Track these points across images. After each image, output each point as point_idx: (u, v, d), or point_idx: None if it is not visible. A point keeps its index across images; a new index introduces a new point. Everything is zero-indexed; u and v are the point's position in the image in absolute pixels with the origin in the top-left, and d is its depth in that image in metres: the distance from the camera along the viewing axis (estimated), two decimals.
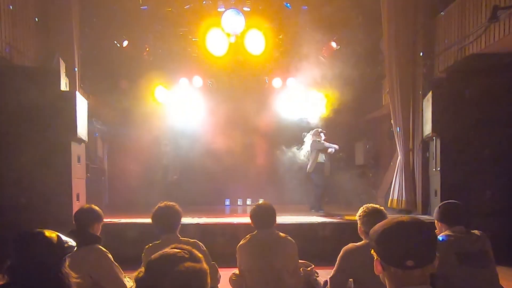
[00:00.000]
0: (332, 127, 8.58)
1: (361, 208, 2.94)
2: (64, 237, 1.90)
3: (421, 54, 7.19)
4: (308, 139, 8.15)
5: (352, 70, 8.09)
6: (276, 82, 10.20)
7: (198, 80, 10.10)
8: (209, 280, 1.42)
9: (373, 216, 2.79)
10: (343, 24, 8.54)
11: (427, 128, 6.59)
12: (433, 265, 1.42)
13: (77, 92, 6.15)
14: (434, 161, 6.61)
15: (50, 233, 1.87)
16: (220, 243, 5.54)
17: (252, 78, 10.16)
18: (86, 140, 6.52)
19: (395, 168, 7.47)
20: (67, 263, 1.89)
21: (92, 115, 7.23)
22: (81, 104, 6.16)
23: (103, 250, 2.96)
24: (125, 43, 8.84)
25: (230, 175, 9.92)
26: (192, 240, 3.13)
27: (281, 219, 6.03)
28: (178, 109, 9.74)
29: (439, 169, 6.39)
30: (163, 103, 9.66)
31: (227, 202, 10.19)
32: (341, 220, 6.46)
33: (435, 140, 6.54)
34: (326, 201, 8.26)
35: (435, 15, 7.04)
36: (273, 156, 9.59)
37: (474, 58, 5.98)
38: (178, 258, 1.40)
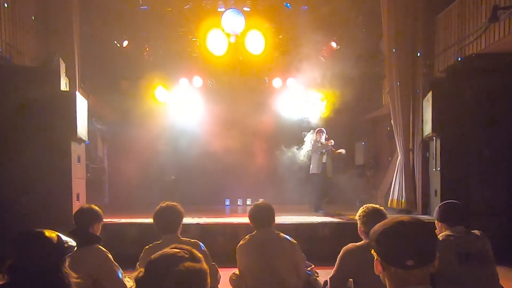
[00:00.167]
0: (332, 127, 8.58)
1: (361, 208, 2.94)
2: (64, 237, 1.90)
3: (421, 54, 7.19)
4: (309, 138, 8.14)
5: (352, 70, 8.09)
6: (276, 82, 10.20)
7: (198, 80, 10.11)
8: (209, 280, 1.42)
9: (373, 216, 2.79)
10: (343, 24, 8.54)
11: (427, 128, 6.59)
12: (433, 264, 1.42)
13: (77, 92, 6.15)
14: (434, 161, 6.61)
15: (50, 233, 1.87)
16: (220, 243, 5.55)
17: (252, 78, 10.16)
18: (86, 140, 6.52)
19: (395, 168, 7.48)
20: (67, 263, 1.89)
21: (92, 115, 7.23)
22: (81, 104, 6.16)
23: (103, 250, 2.96)
24: (125, 43, 8.84)
25: (230, 175, 9.92)
26: (193, 240, 3.12)
27: (281, 219, 6.09)
28: (178, 109, 9.74)
29: (439, 169, 6.39)
30: (163, 103, 9.65)
31: (227, 202, 10.20)
32: (341, 220, 6.46)
33: (435, 140, 6.55)
34: (326, 202, 8.26)
35: (435, 15, 7.04)
36: (273, 156, 9.60)
37: (474, 58, 5.98)
38: (178, 258, 1.40)
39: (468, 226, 2.94)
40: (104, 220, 3.32)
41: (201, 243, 3.13)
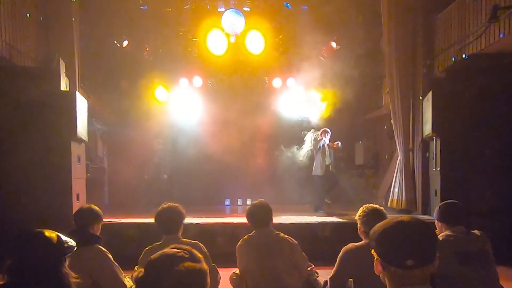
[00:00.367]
0: (332, 127, 8.57)
1: (361, 208, 2.94)
2: (64, 237, 1.90)
3: (421, 54, 7.19)
4: (309, 138, 8.14)
5: (352, 70, 8.09)
6: (276, 82, 10.19)
7: (198, 80, 10.10)
8: (208, 280, 1.42)
9: (373, 216, 2.79)
10: (343, 24, 8.54)
11: (427, 128, 6.59)
12: (433, 264, 1.42)
13: (77, 92, 6.15)
14: (434, 161, 6.61)
15: (50, 233, 1.87)
16: (220, 243, 5.55)
17: (252, 78, 10.16)
18: (86, 140, 6.52)
19: (395, 168, 7.48)
20: (67, 263, 1.89)
21: (92, 115, 7.23)
22: (81, 104, 6.16)
23: (103, 250, 2.96)
24: (125, 43, 8.84)
25: (230, 175, 9.92)
26: (193, 241, 3.13)
27: (281, 219, 6.09)
28: (178, 109, 9.75)
29: (439, 169, 6.39)
30: (163, 103, 9.66)
31: (227, 202, 10.20)
32: (341, 220, 6.46)
33: (435, 140, 6.55)
34: (328, 202, 8.25)
35: (435, 15, 7.04)
36: (273, 156, 9.60)
37: (474, 58, 5.98)
38: (177, 258, 1.40)
39: (468, 226, 2.94)
40: (104, 220, 3.32)
41: (201, 244, 3.13)
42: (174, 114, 9.68)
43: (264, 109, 9.75)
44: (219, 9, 8.32)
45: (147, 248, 3.15)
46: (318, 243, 5.68)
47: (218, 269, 3.30)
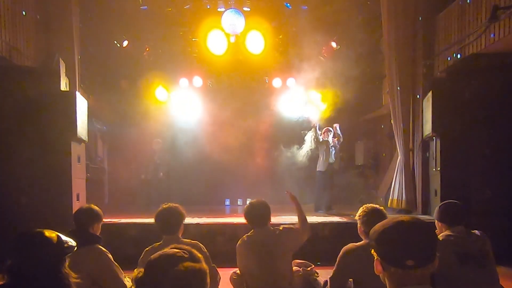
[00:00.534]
0: (329, 126, 8.57)
1: (361, 208, 2.94)
2: (64, 237, 1.90)
3: (421, 54, 7.19)
4: (309, 137, 8.15)
5: (352, 70, 8.08)
6: (276, 82, 10.20)
7: (198, 80, 10.10)
8: (208, 280, 1.42)
9: (373, 216, 2.79)
10: (343, 24, 8.54)
11: (427, 128, 6.59)
12: (433, 264, 1.42)
13: (77, 92, 6.15)
14: (434, 161, 6.61)
15: (50, 233, 1.87)
16: (220, 243, 5.55)
17: (252, 78, 10.16)
18: (86, 140, 6.52)
19: (395, 168, 7.47)
20: (67, 263, 1.89)
21: (92, 115, 7.22)
22: (81, 104, 6.16)
23: (103, 250, 2.96)
24: (125, 43, 8.84)
25: (230, 175, 9.91)
26: (193, 241, 3.13)
27: (281, 219, 6.08)
28: (178, 109, 9.75)
29: (439, 169, 6.39)
30: (163, 103, 9.66)
31: (227, 202, 10.20)
32: (341, 220, 6.46)
33: (435, 140, 6.54)
34: (327, 206, 8.25)
35: (435, 15, 7.04)
36: (273, 156, 9.60)
37: (474, 58, 5.98)
38: (177, 258, 1.40)
39: (468, 226, 2.94)
40: (104, 220, 3.32)
41: (201, 244, 3.13)
42: (174, 114, 9.69)
43: (264, 109, 9.74)
44: (219, 9, 8.32)
45: (147, 248, 3.15)
46: (318, 243, 5.67)
47: (218, 269, 3.30)
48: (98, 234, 3.14)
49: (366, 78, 9.06)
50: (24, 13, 6.04)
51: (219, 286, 3.36)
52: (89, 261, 2.81)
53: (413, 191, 7.20)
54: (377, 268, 1.49)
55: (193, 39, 9.13)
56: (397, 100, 7.22)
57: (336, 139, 8.06)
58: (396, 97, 7.23)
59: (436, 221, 3.07)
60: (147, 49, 9.41)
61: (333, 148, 7.96)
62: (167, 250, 1.46)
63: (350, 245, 2.83)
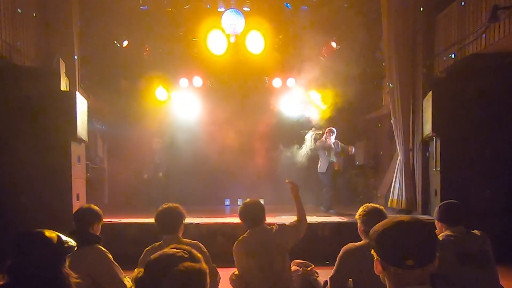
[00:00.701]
0: (332, 127, 8.57)
1: (361, 207, 2.94)
2: (64, 237, 1.90)
3: (421, 54, 7.19)
4: (309, 137, 8.15)
5: (352, 70, 8.08)
6: (276, 82, 10.19)
7: (198, 80, 10.10)
8: (208, 280, 1.42)
9: (373, 215, 2.79)
10: (343, 24, 8.54)
11: (427, 128, 6.59)
12: (433, 264, 1.42)
13: (77, 92, 6.15)
14: (434, 161, 6.61)
15: (50, 233, 1.87)
16: (220, 243, 5.55)
17: (252, 78, 10.16)
18: (86, 140, 6.52)
19: (395, 168, 7.48)
20: (67, 263, 1.89)
21: (92, 115, 7.23)
22: (81, 104, 6.16)
23: (103, 250, 2.96)
24: (125, 43, 8.83)
25: (230, 175, 9.91)
26: (193, 241, 3.13)
27: (281, 219, 6.08)
28: (178, 109, 9.74)
29: (439, 169, 6.39)
30: (163, 103, 9.65)
31: (227, 202, 10.19)
32: (341, 220, 6.46)
33: (435, 140, 6.54)
34: (326, 206, 8.26)
35: (435, 15, 7.04)
36: (273, 155, 9.59)
37: (474, 58, 5.98)
38: (177, 258, 1.40)
39: (468, 226, 2.94)
40: (104, 220, 3.32)
41: (201, 244, 3.13)
42: (174, 114, 9.68)
43: (264, 109, 9.74)
44: (219, 9, 8.32)
45: (147, 248, 3.15)
46: (318, 243, 5.68)
47: (218, 269, 3.30)
48: (98, 234, 3.14)
49: (366, 78, 9.06)
50: (19, 10, 5.96)
51: (219, 286, 3.36)
52: (89, 261, 2.81)
53: (413, 191, 7.20)
54: (377, 268, 1.49)
55: (193, 39, 9.13)
56: (397, 100, 7.22)
57: (339, 151, 8.01)
58: (396, 97, 7.23)
59: (436, 221, 3.07)
60: (147, 49, 9.40)
61: (333, 149, 7.93)
62: (167, 250, 1.47)
63: (350, 245, 2.83)
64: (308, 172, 8.37)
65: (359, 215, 2.91)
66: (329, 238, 5.83)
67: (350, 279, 2.81)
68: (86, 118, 6.40)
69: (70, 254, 1.90)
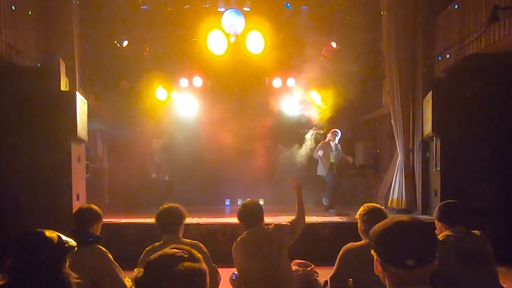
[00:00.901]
0: (332, 127, 8.58)
1: (362, 207, 2.94)
2: (64, 237, 1.90)
3: (421, 54, 7.19)
4: (309, 137, 8.15)
5: (352, 70, 8.08)
6: (276, 82, 10.19)
7: (198, 80, 10.10)
8: (208, 280, 1.42)
9: (373, 215, 2.79)
10: (343, 24, 8.54)
11: (427, 128, 6.59)
12: (433, 264, 1.42)
13: (77, 92, 6.15)
14: (434, 161, 6.61)
15: (50, 233, 1.87)
16: (221, 243, 5.55)
17: (252, 78, 10.16)
18: (86, 140, 6.52)
19: (395, 168, 7.48)
20: (67, 263, 1.89)
21: (92, 115, 7.23)
22: (81, 104, 6.16)
23: (103, 250, 2.96)
24: (125, 43, 8.84)
25: (230, 175, 9.91)
26: (193, 241, 3.13)
27: (281, 219, 6.08)
28: (178, 109, 9.74)
29: (439, 169, 6.39)
30: (163, 103, 9.66)
31: (227, 202, 10.20)
32: (341, 220, 6.46)
33: (435, 140, 6.54)
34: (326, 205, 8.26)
35: (435, 15, 7.04)
36: (273, 155, 9.60)
37: (474, 58, 5.98)
38: (177, 258, 1.40)
39: (468, 226, 2.93)
40: (104, 220, 3.32)
41: (201, 244, 3.13)
42: (174, 114, 9.68)
43: (264, 109, 9.74)
44: (219, 9, 8.32)
45: (147, 248, 3.15)
46: (318, 243, 5.68)
47: (218, 269, 3.30)
48: (98, 234, 3.14)
49: (366, 78, 9.06)
50: (13, 7, 5.86)
51: (219, 286, 3.36)
52: (89, 261, 2.80)
53: (413, 191, 7.20)
54: (377, 268, 1.49)
55: (193, 39, 9.13)
56: (397, 100, 7.22)
57: (340, 155, 8.01)
58: (396, 97, 7.23)
59: (436, 221, 3.06)
60: (147, 49, 9.40)
61: (333, 150, 7.92)
62: (167, 250, 1.46)
63: (350, 245, 2.83)
64: (309, 172, 8.36)
65: (359, 214, 2.91)
66: (329, 238, 5.83)
67: (350, 279, 2.81)
68: (86, 118, 6.40)
69: (70, 254, 1.90)
